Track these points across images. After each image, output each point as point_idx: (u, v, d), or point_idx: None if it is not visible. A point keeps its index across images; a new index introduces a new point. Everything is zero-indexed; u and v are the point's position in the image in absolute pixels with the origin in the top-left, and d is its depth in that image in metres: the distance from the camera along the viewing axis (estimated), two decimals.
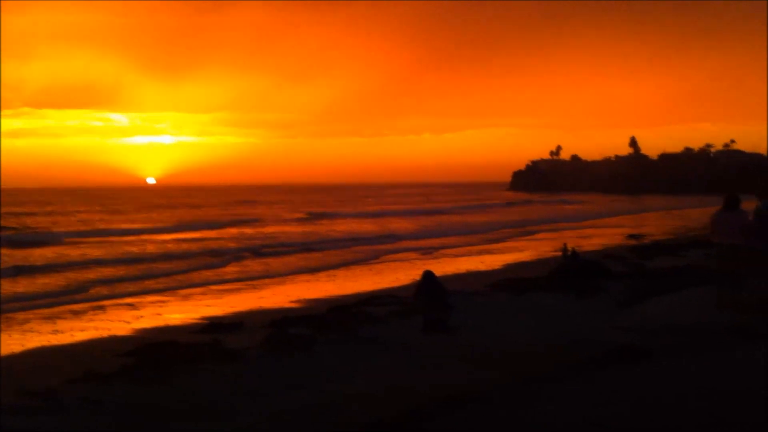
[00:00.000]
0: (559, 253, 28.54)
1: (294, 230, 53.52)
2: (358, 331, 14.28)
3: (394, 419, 5.85)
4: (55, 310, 21.24)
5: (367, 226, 56.54)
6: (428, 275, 19.33)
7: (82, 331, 18.21)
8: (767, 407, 5.40)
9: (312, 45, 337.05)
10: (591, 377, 6.79)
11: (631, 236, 43.83)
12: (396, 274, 28.52)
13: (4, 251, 36.91)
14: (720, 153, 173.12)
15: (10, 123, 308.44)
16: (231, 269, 31.09)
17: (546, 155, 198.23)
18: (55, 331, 18.20)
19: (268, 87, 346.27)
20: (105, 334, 17.76)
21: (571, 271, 22.49)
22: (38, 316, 20.36)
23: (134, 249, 39.04)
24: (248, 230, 53.68)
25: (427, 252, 37.85)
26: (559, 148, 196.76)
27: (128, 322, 19.29)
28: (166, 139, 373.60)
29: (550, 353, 8.13)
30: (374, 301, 19.92)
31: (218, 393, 8.18)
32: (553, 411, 5.72)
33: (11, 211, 78.24)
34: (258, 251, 37.53)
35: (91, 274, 28.81)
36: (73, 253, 36.97)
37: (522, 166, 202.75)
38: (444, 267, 29.52)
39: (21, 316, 20.30)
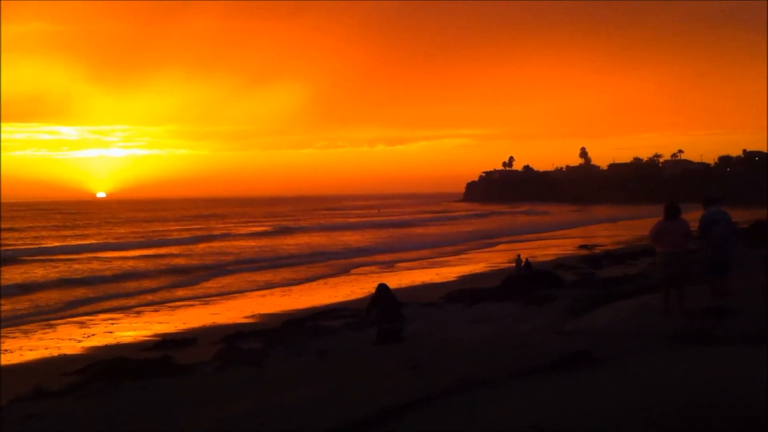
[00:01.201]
0: (512, 264, 28.88)
1: (256, 245, 52.96)
2: (310, 343, 14.31)
3: (338, 428, 5.92)
4: (4, 330, 20.83)
5: (328, 240, 56.41)
6: (382, 287, 19.38)
7: (31, 350, 17.92)
8: (709, 408, 5.59)
9: (265, 56, 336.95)
10: (536, 382, 6.92)
11: (583, 246, 44.51)
12: (351, 288, 28.57)
13: None
14: (668, 162, 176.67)
15: None
16: (189, 286, 30.72)
17: (499, 166, 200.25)
18: (4, 351, 17.88)
19: (219, 98, 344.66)
20: (55, 353, 17.51)
21: (522, 281, 22.78)
22: None
23: (90, 266, 38.41)
24: (212, 245, 52.90)
25: (386, 265, 37.95)
26: (511, 158, 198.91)
27: (79, 341, 19.02)
28: (117, 152, 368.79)
29: (497, 360, 8.28)
30: (329, 315, 19.98)
31: (164, 406, 8.16)
32: (494, 415, 5.84)
33: None
34: (222, 268, 37.03)
35: (43, 294, 28.32)
36: (29, 271, 36.24)
37: (475, 177, 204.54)
38: (401, 279, 29.68)
39: None
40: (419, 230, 69.67)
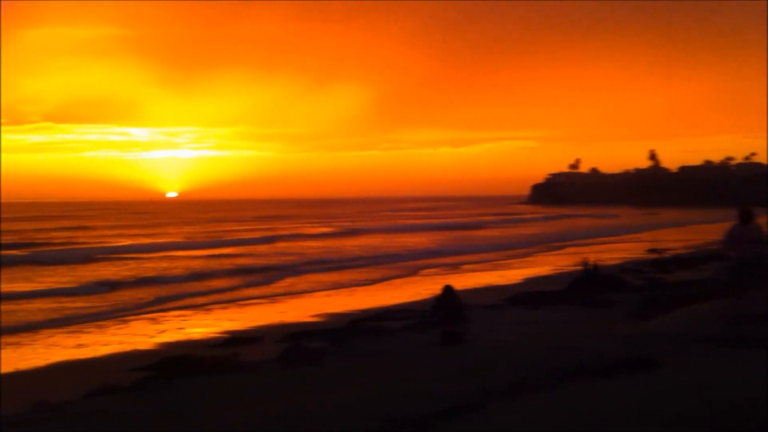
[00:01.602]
0: (579, 267, 28.62)
1: (322, 246, 53.46)
2: (371, 343, 14.52)
3: (392, 428, 6.06)
4: (81, 325, 21.60)
5: (393, 242, 56.62)
6: (447, 289, 19.58)
7: (105, 345, 18.59)
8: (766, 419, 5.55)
9: (329, 58, 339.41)
10: (591, 387, 6.96)
11: (652, 250, 43.76)
12: (416, 289, 28.72)
13: (37, 270, 37.37)
14: (740, 165, 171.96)
15: (29, 137, 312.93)
16: (258, 286, 31.13)
17: (564, 168, 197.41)
18: (79, 345, 18.60)
19: (285, 99, 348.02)
20: (127, 348, 18.13)
21: (587, 284, 22.60)
22: (63, 331, 20.76)
23: (161, 265, 39.41)
24: (279, 245, 53.45)
25: (450, 267, 37.99)
26: (578, 161, 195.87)
27: (150, 336, 19.66)
28: (186, 153, 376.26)
29: (557, 364, 8.32)
30: (392, 315, 20.17)
31: (227, 403, 8.45)
32: (546, 418, 5.91)
33: (38, 227, 79.16)
34: (289, 268, 37.38)
35: (118, 291, 29.17)
36: (104, 269, 37.35)
37: (540, 179, 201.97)
38: (465, 281, 29.70)
39: (47, 331, 20.70)
40: (484, 232, 69.42)
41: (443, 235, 65.16)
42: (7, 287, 29.76)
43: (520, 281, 29.63)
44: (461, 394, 6.91)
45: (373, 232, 70.22)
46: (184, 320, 22.54)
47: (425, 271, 36.02)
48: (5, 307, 24.35)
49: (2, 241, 56.82)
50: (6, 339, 19.32)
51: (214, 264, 39.51)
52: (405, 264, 39.46)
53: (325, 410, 7.28)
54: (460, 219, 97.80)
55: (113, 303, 26.05)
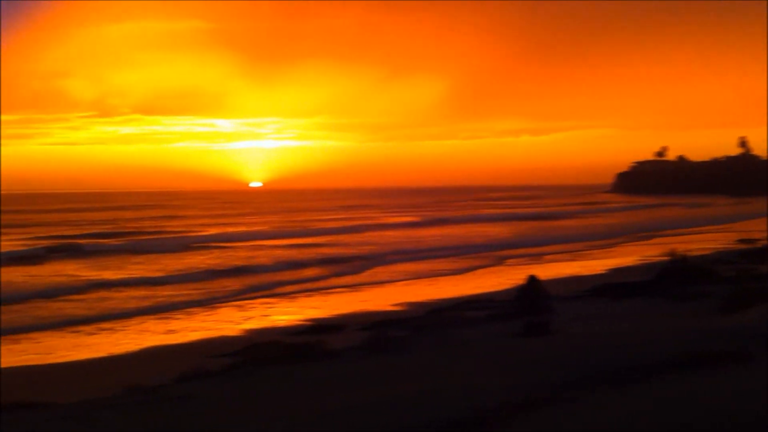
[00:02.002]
0: (666, 258, 27.94)
1: (404, 235, 53.50)
2: (453, 333, 14.52)
3: (470, 419, 6.07)
4: (171, 312, 22.26)
5: (474, 231, 56.35)
6: (531, 280, 19.40)
7: (193, 331, 19.18)
8: None
9: (409, 48, 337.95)
10: (681, 380, 6.81)
11: (743, 240, 42.36)
12: (498, 279, 28.60)
13: (131, 259, 38.53)
14: None
15: (119, 129, 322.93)
16: (340, 276, 31.34)
17: (650, 156, 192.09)
18: (169, 331, 19.24)
19: (365, 89, 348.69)
20: (215, 334, 18.67)
21: (675, 276, 22.04)
22: (154, 317, 21.48)
23: (248, 254, 40.18)
24: (361, 235, 53.55)
25: (533, 257, 37.64)
26: (664, 148, 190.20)
27: (237, 323, 20.20)
28: (269, 144, 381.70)
29: (642, 357, 8.17)
30: (474, 305, 20.14)
31: (312, 390, 8.62)
32: (631, 412, 5.83)
33: (131, 216, 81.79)
34: (371, 257, 37.51)
35: (206, 279, 29.84)
36: (191, 259, 38.12)
37: (624, 168, 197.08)
38: (547, 271, 29.37)
39: (138, 318, 21.47)
40: (567, 222, 68.40)
41: (525, 225, 64.50)
42: (102, 275, 30.93)
43: (604, 272, 29.15)
44: (545, 385, 6.87)
45: (455, 222, 69.85)
46: (270, 308, 23.03)
47: (507, 262, 35.76)
48: (99, 294, 25.34)
49: (99, 230, 59.11)
50: (100, 325, 20.11)
51: (299, 253, 40.06)
52: (487, 254, 39.25)
53: (409, 398, 7.35)
54: (543, 209, 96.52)
55: (201, 291, 26.76)
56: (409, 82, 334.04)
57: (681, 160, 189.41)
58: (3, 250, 41.55)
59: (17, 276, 30.54)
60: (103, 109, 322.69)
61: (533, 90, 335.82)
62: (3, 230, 62.26)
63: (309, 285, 28.48)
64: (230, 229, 62.29)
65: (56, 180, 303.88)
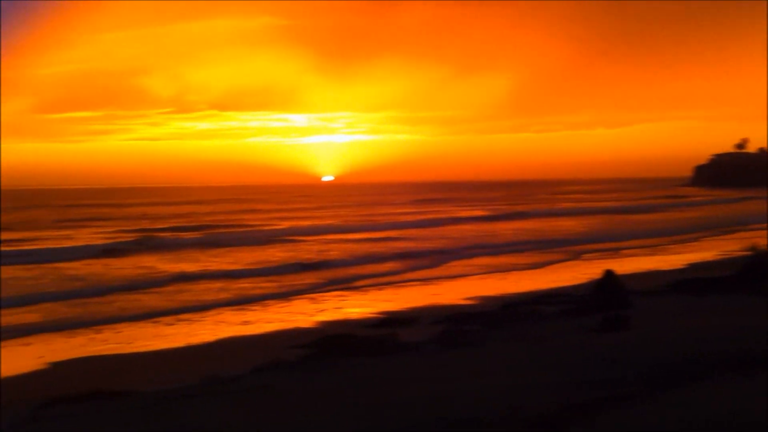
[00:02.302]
0: (747, 253, 27.06)
1: (477, 229, 53.07)
2: (528, 328, 14.33)
3: (550, 414, 5.97)
4: (247, 305, 22.58)
5: (548, 225, 55.60)
6: (608, 274, 19.01)
7: (268, 323, 19.44)
8: None
9: (479, 40, 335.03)
10: (759, 378, 6.56)
11: None
12: (572, 273, 28.15)
13: (210, 252, 39.21)
14: None
15: (197, 125, 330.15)
16: (414, 270, 31.18)
17: (730, 148, 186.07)
18: (245, 323, 19.55)
19: (436, 83, 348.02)
20: (289, 326, 18.88)
21: (756, 271, 21.29)
22: (230, 309, 21.84)
23: (321, 247, 40.50)
24: (434, 229, 53.24)
25: (608, 251, 36.92)
26: (745, 140, 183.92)
27: (311, 315, 20.39)
28: (341, 138, 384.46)
29: (725, 354, 7.89)
30: (548, 300, 19.85)
31: (387, 382, 8.61)
32: (713, 411, 5.63)
33: (208, 210, 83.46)
34: (445, 251, 37.21)
35: (282, 272, 30.15)
36: (266, 252, 38.50)
37: (703, 161, 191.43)
38: (624, 266, 28.76)
39: (215, 309, 21.86)
40: (645, 216, 66.89)
41: (602, 218, 63.32)
42: (181, 267, 31.64)
43: (683, 267, 28.40)
44: (623, 382, 6.71)
45: (530, 216, 68.93)
46: (342, 300, 23.16)
47: (584, 256, 35.15)
48: (178, 286, 25.90)
49: (178, 224, 60.57)
50: (178, 316, 20.56)
51: (372, 247, 40.19)
52: (563, 249, 38.63)
53: (486, 393, 7.28)
54: (619, 202, 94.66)
55: (276, 283, 27.09)
56: (481, 75, 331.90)
57: (762, 152, 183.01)
58: (87, 243, 42.93)
59: (102, 268, 31.46)
60: (182, 106, 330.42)
61: (607, 81, 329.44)
62: (88, 223, 64.38)
63: (382, 279, 28.50)
64: (304, 223, 62.94)
65: (137, 174, 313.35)
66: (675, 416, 5.66)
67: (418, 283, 27.21)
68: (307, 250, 39.23)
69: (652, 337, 10.93)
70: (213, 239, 45.22)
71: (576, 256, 34.80)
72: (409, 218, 67.03)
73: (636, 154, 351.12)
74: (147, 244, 41.89)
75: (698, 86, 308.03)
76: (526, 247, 39.80)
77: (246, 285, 26.57)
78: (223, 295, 24.24)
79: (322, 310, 21.29)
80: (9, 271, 29.96)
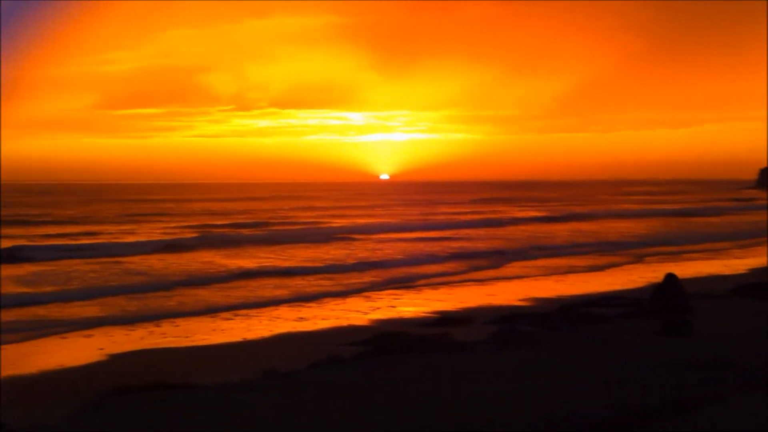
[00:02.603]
0: None
1: (535, 230, 52.53)
2: (586, 330, 14.14)
3: (610, 417, 5.88)
4: (303, 303, 22.72)
5: (607, 227, 54.71)
6: (669, 277, 18.66)
7: (323, 319, 19.58)
8: None
9: (539, 39, 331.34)
10: None
11: None
12: (629, 276, 27.71)
13: (272, 249, 39.63)
14: None
15: (257, 122, 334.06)
16: (472, 272, 30.93)
17: None
18: (300, 319, 19.72)
19: (494, 82, 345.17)
20: (344, 323, 18.98)
21: None
22: (287, 305, 22.03)
23: (377, 246, 40.58)
24: (492, 230, 52.45)
25: (669, 255, 36.21)
26: None
27: (365, 313, 20.47)
28: (398, 137, 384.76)
29: None
30: (605, 302, 19.55)
31: (443, 381, 8.60)
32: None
33: (269, 207, 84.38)
34: (502, 252, 36.65)
35: (338, 271, 30.25)
36: (328, 250, 38.57)
37: (766, 164, 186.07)
38: (687, 269, 28.21)
39: (272, 305, 22.09)
40: (708, 219, 65.39)
41: (665, 221, 62.10)
42: (241, 263, 32.07)
43: (747, 271, 27.73)
44: (687, 387, 6.57)
45: (590, 217, 67.72)
46: (396, 299, 23.19)
47: (646, 259, 34.50)
48: (237, 282, 26.22)
49: (239, 220, 61.43)
50: (236, 311, 20.85)
51: (428, 246, 40.06)
52: (624, 251, 37.98)
53: (544, 394, 7.20)
54: (682, 204, 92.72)
55: (332, 281, 27.22)
56: (540, 73, 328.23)
57: None
58: (150, 239, 43.73)
59: (163, 263, 32.02)
60: (242, 103, 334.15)
61: (670, 81, 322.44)
62: (150, 218, 65.69)
63: (438, 279, 28.39)
64: (361, 221, 63.17)
65: (198, 171, 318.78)
66: (739, 421, 5.53)
67: (472, 283, 27.08)
68: (364, 248, 39.36)
69: (715, 342, 10.70)
70: (271, 236, 45.66)
71: (637, 259, 34.20)
72: (467, 218, 66.69)
73: (699, 155, 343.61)
74: (208, 240, 42.53)
75: (764, 87, 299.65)
76: (585, 249, 39.25)
77: (302, 282, 26.78)
78: (280, 292, 24.47)
79: (376, 308, 21.35)
80: (73, 265, 30.75)
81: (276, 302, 22.44)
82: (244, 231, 50.40)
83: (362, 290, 25.05)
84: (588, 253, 37.55)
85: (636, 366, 8.53)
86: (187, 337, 17.49)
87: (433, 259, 34.42)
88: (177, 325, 18.84)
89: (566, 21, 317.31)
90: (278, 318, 19.98)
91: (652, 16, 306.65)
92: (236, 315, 20.34)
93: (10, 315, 19.74)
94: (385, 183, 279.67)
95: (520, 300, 22.34)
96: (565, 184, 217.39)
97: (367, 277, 28.05)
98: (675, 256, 35.51)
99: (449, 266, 31.93)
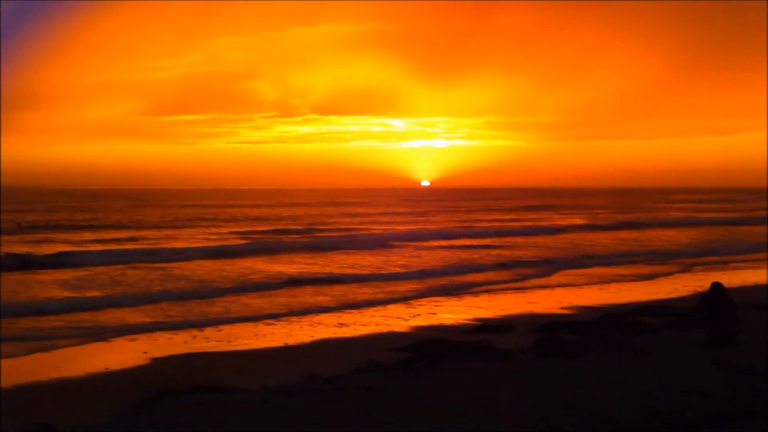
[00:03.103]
0: None
1: (580, 238, 51.74)
2: (630, 340, 13.97)
3: (661, 427, 5.79)
4: (345, 310, 22.75)
5: (652, 236, 53.90)
6: (716, 287, 18.33)
7: (363, 325, 19.61)
8: None
9: (580, 45, 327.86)
10: None
11: None
12: (674, 285, 27.31)
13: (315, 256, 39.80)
14: None
15: (299, 128, 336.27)
16: (515, 281, 30.65)
17: None
18: (340, 325, 19.77)
19: (535, 89, 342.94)
20: (384, 329, 19.00)
21: None
22: (327, 313, 22.10)
23: (417, 252, 40.53)
24: (534, 239, 51.55)
25: (719, 264, 35.58)
26: None
27: (405, 319, 20.45)
28: (439, 143, 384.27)
29: None
30: (649, 311, 19.33)
31: (484, 388, 8.56)
32: None
33: (312, 213, 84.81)
34: (543, 261, 36.18)
35: (383, 279, 30.23)
36: (374, 257, 38.56)
37: None
38: (732, 279, 27.72)
39: (312, 312, 22.21)
40: (755, 228, 64.10)
41: (709, 230, 61.05)
42: (283, 269, 32.28)
43: None
44: (733, 398, 6.45)
45: (636, 225, 66.21)
46: (437, 306, 23.13)
47: (694, 269, 33.91)
48: (281, 289, 26.32)
49: (285, 226, 61.82)
50: (278, 318, 20.99)
51: (471, 254, 39.83)
52: (670, 260, 37.42)
53: (585, 403, 7.13)
54: (729, 213, 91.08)
55: (376, 288, 27.16)
56: (582, 80, 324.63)
57: None
58: (198, 245, 44.21)
59: (209, 269, 32.19)
60: (284, 110, 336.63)
61: (715, 87, 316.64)
62: (199, 223, 66.37)
63: (480, 288, 28.16)
64: (403, 227, 63.11)
65: (240, 176, 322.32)
66: None
67: (513, 290, 26.90)
68: (406, 254, 39.33)
69: (760, 353, 10.49)
70: (316, 243, 45.76)
71: (685, 268, 33.64)
72: (509, 225, 66.26)
73: (745, 163, 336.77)
74: (254, 246, 42.88)
75: None
76: (633, 258, 38.52)
77: (343, 289, 26.86)
78: (320, 299, 24.58)
79: (416, 315, 21.34)
80: (120, 269, 31.23)
81: (317, 310, 22.48)
82: (289, 237, 50.70)
83: (403, 297, 25.02)
84: (637, 262, 36.95)
85: (679, 376, 8.41)
86: (229, 341, 17.66)
87: (474, 267, 34.11)
88: (220, 330, 19.03)
89: (608, 26, 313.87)
90: (319, 324, 20.08)
91: (696, 21, 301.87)
92: (278, 320, 20.49)
93: (58, 320, 20.14)
94: (426, 189, 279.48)
95: (562, 308, 22.17)
96: (608, 192, 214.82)
97: (409, 285, 27.95)
98: (722, 266, 34.89)
99: (491, 275, 31.54)
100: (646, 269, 33.52)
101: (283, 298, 24.48)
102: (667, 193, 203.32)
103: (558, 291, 26.77)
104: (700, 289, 25.09)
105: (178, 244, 44.99)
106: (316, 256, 38.22)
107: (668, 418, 5.94)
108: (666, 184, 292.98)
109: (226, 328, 19.27)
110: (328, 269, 32.52)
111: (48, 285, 26.96)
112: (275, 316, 21.14)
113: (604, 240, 50.46)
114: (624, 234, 56.26)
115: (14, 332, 18.28)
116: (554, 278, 30.60)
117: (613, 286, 27.82)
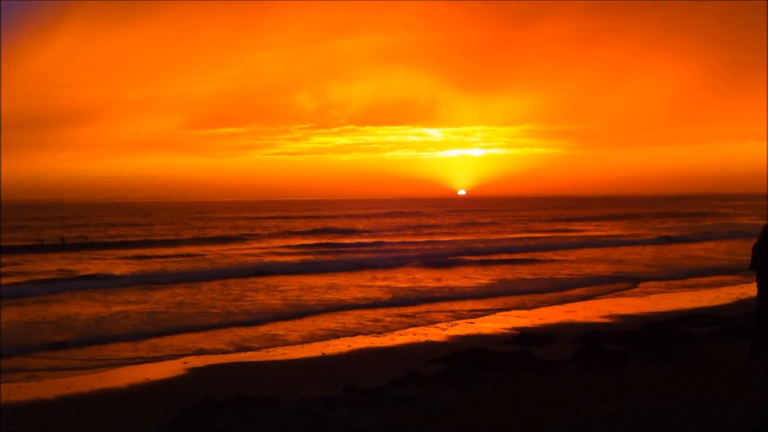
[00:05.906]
0: None
1: (631, 251, 48.91)
2: (674, 349, 13.70)
3: None
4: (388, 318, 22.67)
5: (695, 249, 52.65)
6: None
7: (401, 335, 19.51)
8: None
9: (621, 52, 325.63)
10: None
11: None
12: (716, 293, 26.80)
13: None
14: None
15: (336, 139, 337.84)
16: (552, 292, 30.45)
17: None
18: (378, 334, 19.69)
19: (574, 97, 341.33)
20: (422, 339, 18.88)
21: None
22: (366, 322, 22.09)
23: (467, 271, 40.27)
24: (579, 252, 48.88)
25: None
26: None
27: (443, 329, 20.32)
28: (476, 152, 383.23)
29: None
30: (692, 320, 18.98)
31: (526, 401, 8.43)
32: None
33: (346, 225, 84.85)
34: (583, 274, 35.24)
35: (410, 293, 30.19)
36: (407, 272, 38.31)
37: None
38: None
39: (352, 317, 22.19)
40: None
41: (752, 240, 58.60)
42: (331, 295, 32.25)
43: None
44: None
45: (676, 240, 59.45)
46: (475, 315, 22.95)
47: (721, 278, 33.04)
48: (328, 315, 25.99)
49: (328, 240, 60.19)
50: (318, 326, 20.98)
51: (506, 271, 39.50)
52: (703, 271, 36.58)
53: (631, 415, 6.97)
54: None
55: (411, 314, 26.91)
56: (623, 87, 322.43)
57: None
58: (244, 261, 43.01)
59: (246, 288, 30.51)
60: (322, 121, 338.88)
61: (757, 90, 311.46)
62: (248, 237, 66.01)
63: (514, 297, 27.89)
64: (445, 237, 62.68)
65: (279, 188, 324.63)
66: None
67: (550, 300, 26.58)
68: (455, 274, 39.19)
69: None
70: (356, 263, 41.26)
71: (746, 278, 32.65)
72: (548, 235, 64.95)
73: None
74: (301, 265, 39.86)
75: None
76: (667, 273, 36.85)
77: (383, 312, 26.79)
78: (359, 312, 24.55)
79: (454, 324, 21.19)
80: (158, 289, 31.30)
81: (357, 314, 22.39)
82: (327, 257, 47.35)
83: (442, 307, 24.90)
84: (671, 278, 34.45)
85: (725, 387, 8.20)
86: (267, 351, 17.69)
87: (562, 286, 30.35)
88: (259, 342, 19.04)
89: (652, 33, 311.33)
90: (356, 333, 20.02)
91: (737, 25, 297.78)
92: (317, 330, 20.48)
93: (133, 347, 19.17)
94: (464, 198, 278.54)
95: (601, 317, 21.86)
96: (651, 200, 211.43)
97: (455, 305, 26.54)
98: None
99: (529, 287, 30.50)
100: (679, 281, 32.02)
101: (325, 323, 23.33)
102: (711, 200, 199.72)
103: (597, 300, 26.41)
104: (743, 297, 24.62)
105: (227, 262, 42.33)
106: (357, 275, 38.21)
107: (729, 430, 5.77)
108: (709, 190, 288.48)
109: (264, 340, 19.26)
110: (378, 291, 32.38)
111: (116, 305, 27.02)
112: (319, 330, 21.14)
113: (685, 251, 47.84)
114: (709, 245, 53.46)
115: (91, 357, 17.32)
116: (590, 288, 30.17)
117: (654, 295, 27.33)
